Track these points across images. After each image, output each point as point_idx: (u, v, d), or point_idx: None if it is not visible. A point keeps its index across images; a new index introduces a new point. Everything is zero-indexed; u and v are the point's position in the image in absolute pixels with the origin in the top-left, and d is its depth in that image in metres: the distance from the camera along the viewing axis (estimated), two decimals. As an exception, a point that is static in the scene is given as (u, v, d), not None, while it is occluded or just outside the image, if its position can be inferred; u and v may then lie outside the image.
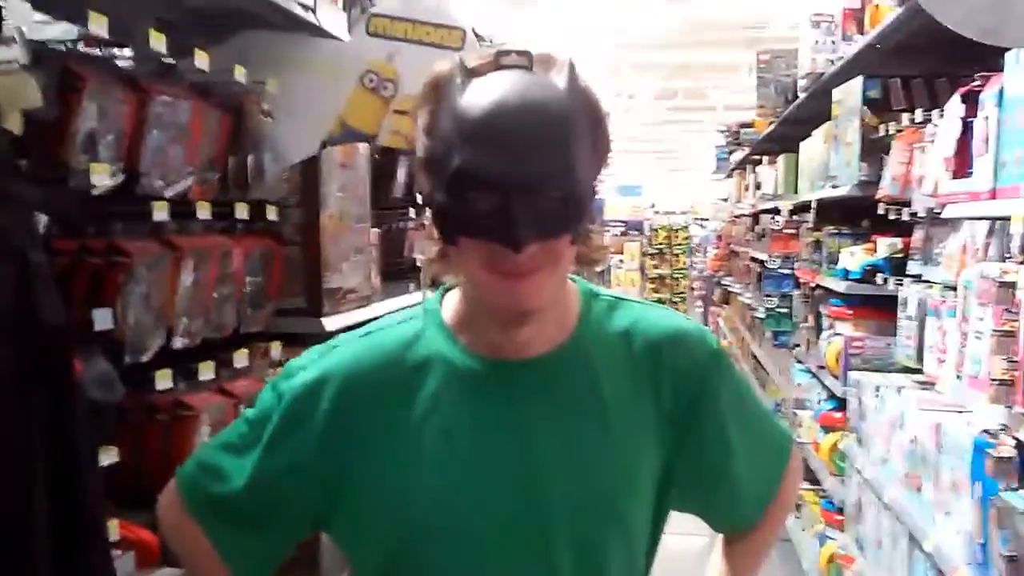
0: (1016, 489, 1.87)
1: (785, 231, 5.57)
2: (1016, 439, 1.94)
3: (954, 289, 2.39)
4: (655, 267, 15.32)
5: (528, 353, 1.07)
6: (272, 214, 2.49)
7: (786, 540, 4.42)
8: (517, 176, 0.96)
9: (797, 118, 5.27)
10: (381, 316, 1.17)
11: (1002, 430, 1.99)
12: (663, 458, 1.11)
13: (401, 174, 3.70)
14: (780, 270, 5.62)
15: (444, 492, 1.04)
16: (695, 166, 19.43)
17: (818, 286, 4.23)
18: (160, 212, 1.98)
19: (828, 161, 4.00)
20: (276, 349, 2.52)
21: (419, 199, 3.73)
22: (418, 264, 3.85)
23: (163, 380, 2.02)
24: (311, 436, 1.07)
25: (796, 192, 5.28)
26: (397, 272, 3.73)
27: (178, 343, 2.08)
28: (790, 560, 4.34)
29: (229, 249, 2.29)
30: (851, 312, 3.63)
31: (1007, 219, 2.16)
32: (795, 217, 5.35)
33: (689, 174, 21.18)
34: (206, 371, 2.19)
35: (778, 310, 5.67)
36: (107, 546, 1.54)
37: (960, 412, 2.38)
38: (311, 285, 2.63)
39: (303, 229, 2.62)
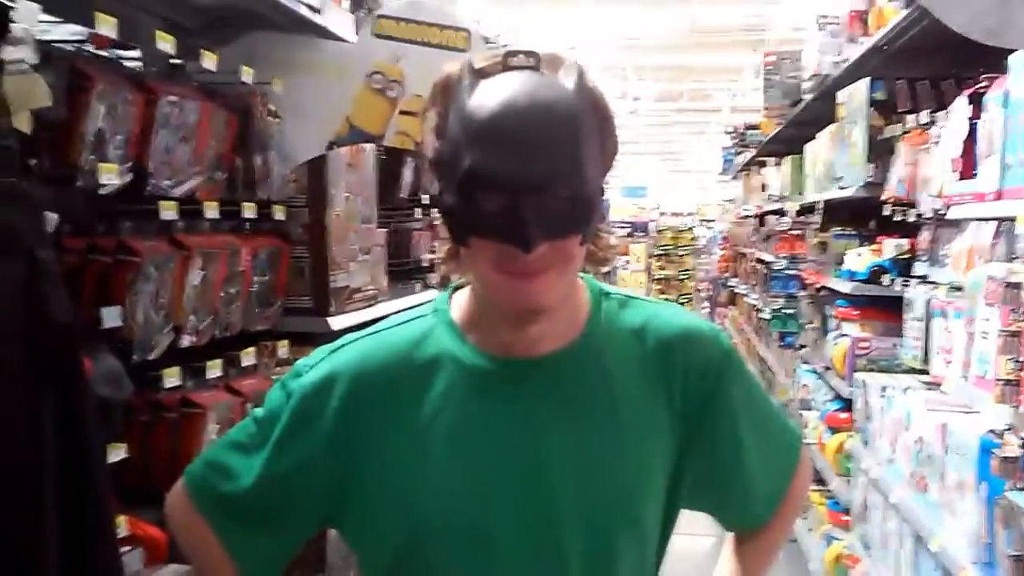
0: (1022, 489, 1.87)
1: (791, 232, 5.57)
2: (1022, 439, 1.94)
3: (960, 290, 2.39)
4: (661, 268, 15.33)
5: (538, 351, 1.07)
6: (279, 214, 2.50)
7: (792, 540, 4.42)
8: (526, 177, 0.96)
9: (803, 120, 5.27)
10: (387, 316, 1.17)
11: (1008, 430, 1.99)
12: (674, 456, 1.11)
13: (407, 174, 3.71)
14: (786, 271, 5.62)
15: (452, 491, 1.05)
16: (701, 168, 19.43)
17: (824, 287, 4.23)
18: (168, 211, 1.99)
19: (834, 162, 4.00)
20: (283, 348, 2.54)
21: (425, 200, 3.74)
22: (424, 264, 3.87)
23: (171, 378, 2.03)
24: (319, 435, 1.07)
25: (802, 193, 5.28)
26: (403, 272, 3.74)
27: (186, 341, 2.09)
28: (796, 560, 4.33)
29: (237, 248, 2.30)
30: (857, 313, 3.63)
31: (1013, 220, 2.16)
32: (801, 218, 5.35)
33: (695, 176, 21.18)
34: (213, 369, 2.20)
35: (784, 311, 5.67)
36: (116, 542, 1.54)
37: (966, 412, 2.38)
38: (318, 284, 2.64)
39: (310, 229, 2.63)
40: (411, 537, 1.05)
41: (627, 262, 14.31)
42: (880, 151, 3.34)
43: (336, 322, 2.64)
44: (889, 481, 2.81)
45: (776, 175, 6.42)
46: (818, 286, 4.40)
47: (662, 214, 16.80)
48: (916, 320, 2.83)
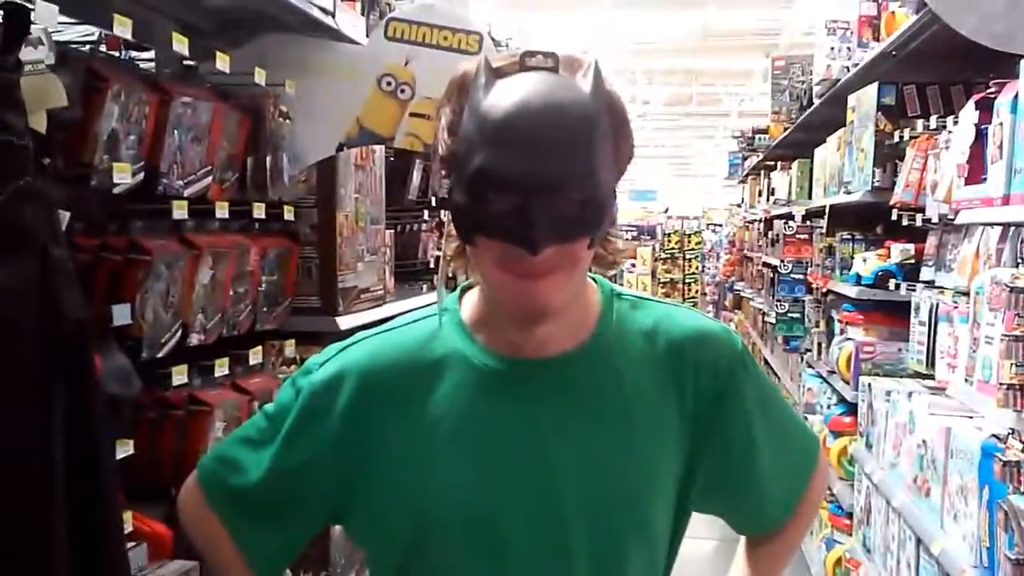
0: (1024, 493, 1.87)
1: (798, 236, 5.58)
2: (1025, 444, 1.95)
3: (966, 295, 2.39)
4: (667, 272, 15.31)
5: (547, 352, 1.07)
6: (289, 214, 2.52)
7: (795, 545, 4.42)
8: (538, 178, 0.95)
9: (811, 124, 5.27)
10: (394, 316, 1.17)
11: (1011, 434, 2.00)
12: (686, 459, 1.10)
13: (416, 176, 3.73)
14: (792, 275, 5.62)
15: (459, 489, 1.05)
16: (708, 172, 19.42)
17: (830, 291, 4.23)
18: (179, 211, 2.01)
19: (842, 167, 4.00)
20: (290, 347, 2.55)
21: (433, 201, 3.76)
22: (431, 266, 3.88)
23: (179, 376, 2.05)
24: (328, 431, 1.08)
25: (810, 198, 5.29)
26: (410, 273, 3.76)
27: (194, 340, 2.10)
28: (797, 564, 4.33)
29: (246, 248, 2.32)
30: (862, 317, 3.64)
31: (1020, 225, 2.17)
32: (808, 223, 5.35)
33: (702, 180, 21.18)
34: (221, 368, 2.21)
35: (790, 315, 5.67)
36: (123, 538, 1.56)
37: (970, 417, 2.39)
38: (326, 284, 2.65)
39: (319, 229, 2.64)
40: (417, 535, 1.05)
41: (633, 265, 14.29)
42: (888, 156, 3.35)
43: (344, 322, 2.65)
44: (892, 485, 2.82)
45: (783, 179, 6.43)
46: (824, 290, 4.41)
47: (669, 217, 16.79)
48: (921, 325, 2.83)
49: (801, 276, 5.48)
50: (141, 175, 1.90)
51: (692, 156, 20.90)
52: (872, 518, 3.13)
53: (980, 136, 2.38)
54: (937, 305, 2.71)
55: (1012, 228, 2.29)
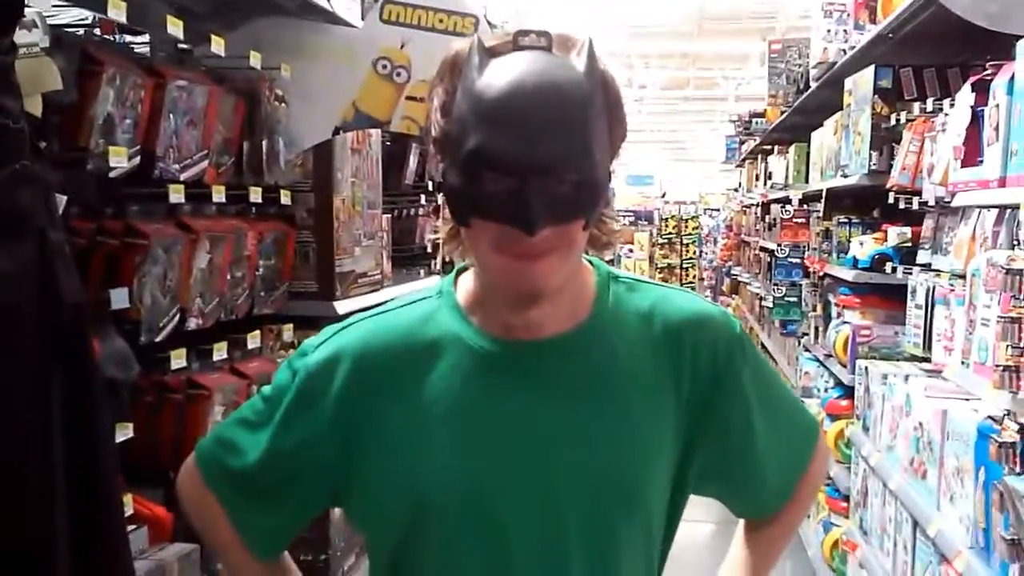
0: (1020, 474, 1.88)
1: (795, 220, 5.58)
2: (1020, 424, 1.95)
3: (963, 277, 2.40)
4: (664, 257, 15.32)
5: (542, 334, 1.06)
6: (285, 198, 2.52)
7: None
8: (533, 159, 0.94)
9: (808, 107, 5.26)
10: (385, 302, 1.17)
11: (1006, 416, 2.01)
12: (683, 441, 1.10)
13: (412, 161, 3.73)
14: (789, 259, 5.63)
15: (453, 470, 1.04)
16: (705, 156, 19.40)
17: (827, 275, 4.24)
18: (176, 195, 2.01)
19: (839, 150, 4.00)
20: (288, 331, 2.56)
21: (430, 186, 3.75)
22: (428, 250, 3.88)
23: (177, 360, 2.06)
24: (323, 413, 1.07)
25: (807, 181, 5.28)
26: (407, 257, 3.76)
27: (192, 324, 2.11)
28: (794, 547, 4.36)
29: (243, 232, 2.32)
30: (859, 301, 3.64)
31: (1016, 207, 2.17)
32: (805, 206, 5.36)
33: (699, 164, 21.16)
34: (219, 352, 2.22)
35: (787, 299, 5.68)
36: (123, 521, 1.57)
37: (966, 399, 2.40)
38: (323, 269, 2.66)
39: (316, 213, 2.65)
40: (413, 516, 1.05)
41: (630, 250, 14.30)
42: (885, 139, 3.35)
43: (341, 306, 2.66)
44: (888, 467, 2.83)
45: (780, 163, 6.42)
46: (821, 274, 4.41)
47: (666, 202, 16.79)
48: (918, 308, 2.84)
49: (798, 260, 5.48)
50: (137, 159, 1.90)
51: (689, 140, 20.87)
52: (869, 500, 3.15)
53: (976, 118, 2.38)
54: (933, 288, 2.72)
55: (1008, 210, 2.29)
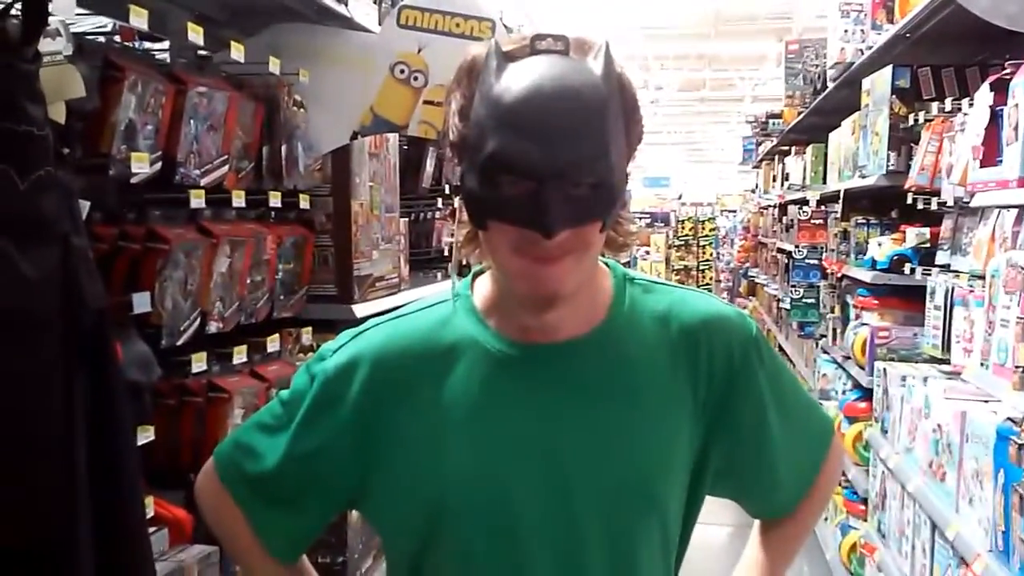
0: (1040, 477, 1.87)
1: (812, 221, 5.56)
2: (1041, 427, 1.94)
3: (982, 278, 2.38)
4: (681, 259, 15.28)
5: (559, 336, 1.07)
6: (304, 203, 2.54)
7: (809, 530, 4.42)
8: (551, 163, 0.95)
9: (826, 108, 5.24)
10: (401, 305, 1.17)
11: (1027, 418, 2.00)
12: (699, 442, 1.10)
13: (429, 164, 3.74)
14: (807, 260, 5.60)
15: (470, 473, 1.05)
16: (722, 157, 19.35)
17: (845, 276, 4.22)
18: (197, 200, 2.02)
19: (857, 151, 3.98)
20: (307, 335, 2.58)
21: (447, 190, 3.76)
22: (445, 253, 3.90)
23: (198, 363, 2.07)
24: (341, 417, 1.08)
25: (824, 182, 5.26)
26: (425, 261, 3.78)
27: (212, 327, 2.13)
28: (812, 550, 4.34)
29: (263, 236, 2.34)
30: (877, 302, 3.62)
31: (1035, 208, 2.16)
32: (823, 207, 5.33)
33: (716, 166, 21.10)
34: (239, 355, 2.24)
35: (804, 300, 5.66)
36: (145, 523, 1.58)
37: (986, 401, 2.39)
38: (342, 272, 2.67)
39: (334, 217, 2.66)
40: (431, 520, 1.06)
41: (647, 252, 14.28)
42: (903, 139, 3.33)
43: (359, 310, 2.67)
44: (907, 470, 2.82)
45: (798, 164, 6.40)
46: (839, 275, 4.39)
47: (683, 204, 16.75)
48: (937, 309, 2.82)
49: (816, 261, 5.46)
50: (158, 164, 1.92)
51: (705, 142, 20.81)
52: (887, 503, 3.13)
53: (995, 118, 2.37)
54: (952, 289, 2.71)
55: (1028, 211, 2.28)
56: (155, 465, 1.89)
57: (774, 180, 7.97)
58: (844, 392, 4.16)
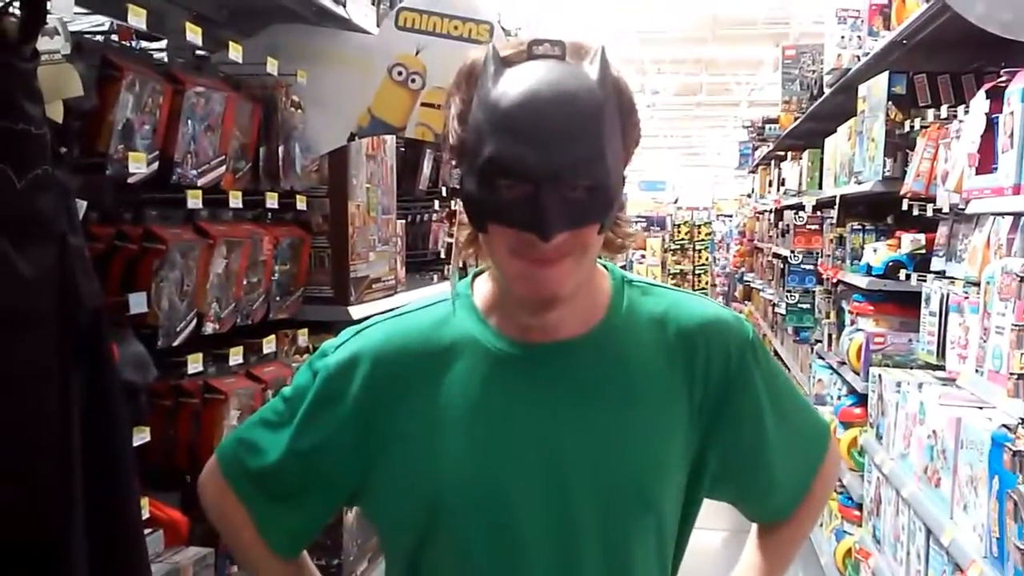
0: (1034, 483, 1.88)
1: (808, 227, 5.57)
2: (1035, 433, 1.95)
3: (977, 285, 2.39)
4: (676, 263, 15.30)
5: (557, 336, 1.08)
6: (301, 204, 2.53)
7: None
8: (548, 166, 0.96)
9: (822, 114, 5.25)
10: (400, 306, 1.18)
11: (1020, 424, 2.00)
12: (696, 444, 1.11)
13: (427, 166, 3.74)
14: (803, 266, 5.62)
15: (468, 471, 1.06)
16: (718, 162, 19.38)
17: (840, 282, 4.23)
18: (194, 200, 2.02)
19: (853, 157, 3.99)
20: (303, 336, 2.57)
21: (444, 192, 3.76)
22: (442, 256, 3.90)
23: (194, 364, 2.07)
24: (342, 414, 1.09)
25: (820, 188, 5.27)
26: (421, 263, 3.77)
27: (209, 328, 2.12)
28: (807, 555, 4.34)
29: (259, 237, 2.33)
30: (873, 308, 3.63)
31: (1031, 215, 2.16)
32: (819, 213, 5.34)
33: (712, 170, 21.14)
34: (235, 356, 2.23)
35: (800, 305, 5.67)
36: (141, 524, 1.58)
37: (980, 407, 2.39)
38: (338, 274, 2.67)
39: (331, 219, 2.66)
40: (428, 516, 1.07)
41: (643, 256, 14.29)
42: (899, 145, 3.34)
43: (355, 311, 2.67)
44: (902, 475, 2.82)
45: (794, 169, 6.41)
46: (835, 281, 4.40)
47: (679, 208, 16.78)
48: (932, 315, 2.83)
49: (811, 267, 5.47)
50: (155, 164, 1.92)
51: (702, 146, 20.86)
52: (882, 509, 3.14)
53: (991, 125, 2.37)
54: (948, 295, 2.71)
55: (1023, 218, 2.29)
56: (150, 466, 1.88)
57: (770, 185, 7.99)
58: (839, 398, 4.16)
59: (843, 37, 4.52)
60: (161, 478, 2.01)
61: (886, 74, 3.39)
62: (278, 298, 2.46)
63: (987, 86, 2.47)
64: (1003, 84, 2.33)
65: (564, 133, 0.97)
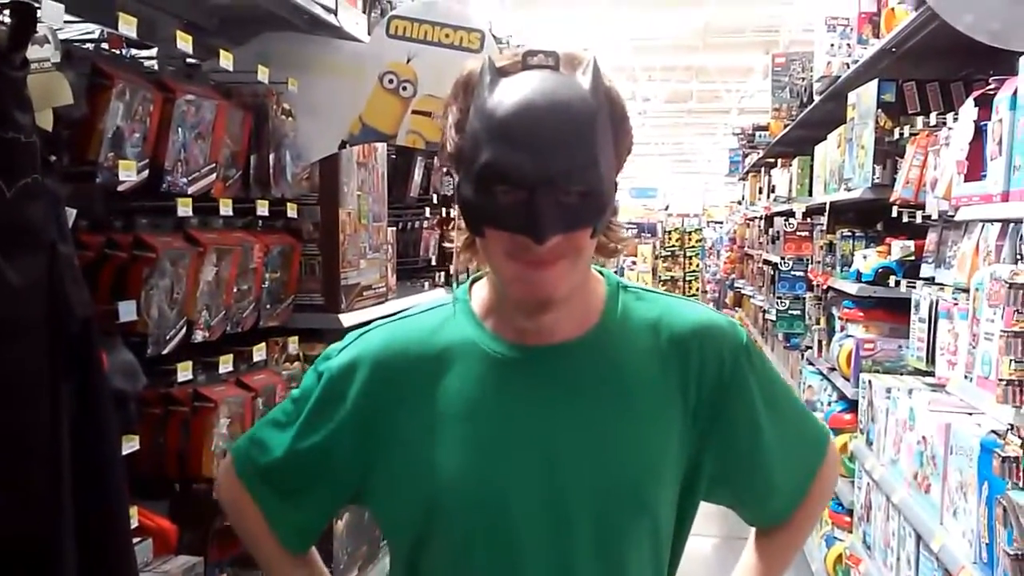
0: (1023, 488, 1.88)
1: (798, 233, 5.59)
2: (1023, 439, 1.96)
3: (966, 291, 2.40)
4: (667, 269, 15.34)
5: (553, 339, 1.10)
6: (292, 211, 2.53)
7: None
8: (542, 172, 0.99)
9: (812, 121, 5.28)
10: (397, 313, 1.22)
11: (1009, 430, 2.01)
12: (690, 448, 1.13)
13: (418, 174, 3.74)
14: (793, 272, 5.64)
15: (464, 472, 1.08)
16: (709, 169, 19.44)
17: (831, 288, 4.25)
18: (184, 208, 2.02)
19: (842, 164, 4.01)
20: (294, 344, 2.57)
21: (435, 199, 3.77)
22: (433, 263, 3.90)
23: (183, 372, 2.06)
24: (344, 415, 1.13)
25: (810, 195, 5.30)
26: (412, 271, 3.77)
27: (198, 336, 2.11)
28: (798, 562, 4.35)
29: (250, 245, 2.33)
30: (863, 314, 3.65)
31: (1020, 221, 2.18)
32: (809, 220, 5.37)
33: (703, 177, 21.20)
34: (225, 364, 2.23)
35: (790, 312, 5.69)
36: (130, 533, 1.57)
37: (970, 413, 2.40)
38: (329, 281, 2.67)
39: (322, 226, 2.66)
40: (426, 516, 1.09)
41: (633, 262, 14.32)
42: (888, 153, 3.36)
43: (346, 319, 2.66)
44: (892, 481, 2.83)
45: (784, 176, 6.44)
46: (825, 287, 4.42)
47: (670, 215, 16.82)
48: (921, 321, 2.84)
49: (802, 273, 5.50)
50: (146, 172, 1.91)
51: (692, 153, 20.91)
52: (872, 515, 3.15)
53: (980, 133, 2.39)
54: (937, 302, 2.73)
55: (1011, 224, 2.30)
56: (140, 474, 1.88)
57: (760, 192, 8.01)
58: (829, 404, 4.18)
59: (833, 45, 4.55)
60: (150, 486, 2.00)
61: (875, 82, 3.41)
62: (268, 306, 2.45)
63: (975, 94, 2.48)
64: (991, 92, 2.35)
65: (558, 140, 1.00)
